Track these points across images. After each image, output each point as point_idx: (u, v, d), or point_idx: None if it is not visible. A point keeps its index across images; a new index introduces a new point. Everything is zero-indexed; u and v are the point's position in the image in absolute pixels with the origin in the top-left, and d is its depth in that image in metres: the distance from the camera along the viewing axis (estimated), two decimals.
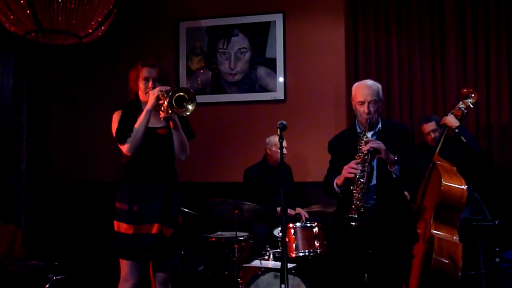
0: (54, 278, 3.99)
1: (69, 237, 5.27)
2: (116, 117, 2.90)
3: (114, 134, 2.85)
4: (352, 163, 2.90)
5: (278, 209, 4.36)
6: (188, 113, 2.76)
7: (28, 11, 3.70)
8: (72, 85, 5.73)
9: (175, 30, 5.43)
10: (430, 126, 4.20)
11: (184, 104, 2.75)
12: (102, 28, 4.12)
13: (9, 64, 5.31)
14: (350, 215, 2.83)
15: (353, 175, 2.87)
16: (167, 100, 2.72)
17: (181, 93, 2.75)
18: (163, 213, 2.84)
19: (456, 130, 3.85)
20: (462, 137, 3.89)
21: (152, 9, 5.55)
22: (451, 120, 3.77)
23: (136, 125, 2.81)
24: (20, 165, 5.45)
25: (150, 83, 2.90)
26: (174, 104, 2.72)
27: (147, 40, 5.49)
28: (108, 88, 5.31)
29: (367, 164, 2.90)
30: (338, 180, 3.01)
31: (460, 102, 3.72)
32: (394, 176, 2.96)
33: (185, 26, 5.40)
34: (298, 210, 4.58)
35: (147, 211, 2.82)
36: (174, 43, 5.42)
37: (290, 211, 4.48)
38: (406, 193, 3.83)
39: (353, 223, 2.83)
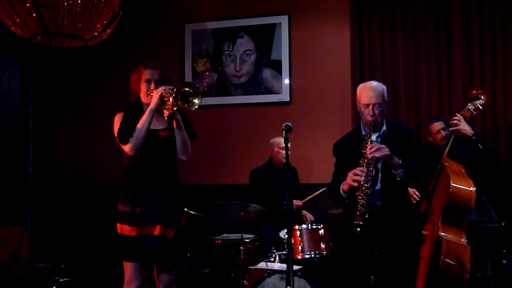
0: (61, 280, 4.01)
1: (75, 240, 5.28)
2: (117, 119, 2.91)
3: (116, 135, 2.86)
4: (357, 170, 2.89)
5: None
6: (195, 107, 2.77)
7: (34, 14, 3.72)
8: (78, 88, 5.76)
9: (181, 33, 5.44)
10: (439, 124, 4.18)
11: (190, 99, 2.76)
12: (108, 30, 4.13)
13: (16, 67, 5.34)
14: (355, 222, 2.83)
15: (357, 184, 2.87)
16: (172, 96, 2.72)
17: (187, 89, 2.76)
18: (165, 215, 2.85)
19: (474, 138, 3.83)
20: (479, 145, 3.87)
21: (157, 11, 5.57)
22: (467, 128, 3.75)
23: (139, 125, 2.81)
24: (27, 167, 5.48)
25: (152, 85, 2.91)
26: (180, 100, 2.72)
27: (152, 42, 5.51)
28: (114, 90, 5.31)
29: (371, 168, 2.89)
30: (344, 186, 3.01)
31: (469, 104, 3.68)
32: (398, 179, 2.95)
33: (191, 28, 5.41)
34: (304, 212, 4.57)
35: (149, 213, 2.83)
36: (180, 46, 5.44)
37: (296, 202, 4.44)
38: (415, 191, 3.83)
39: (358, 229, 2.83)
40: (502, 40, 4.57)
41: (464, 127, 3.70)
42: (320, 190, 4.44)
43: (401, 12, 4.82)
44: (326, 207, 4.43)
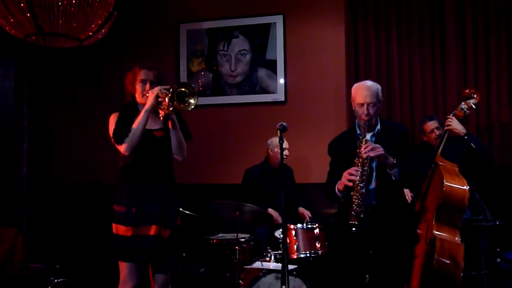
0: (56, 281, 4.01)
1: (70, 240, 5.26)
2: (113, 119, 2.91)
3: (111, 135, 2.86)
4: (352, 170, 2.90)
5: (269, 210, 4.30)
6: (191, 108, 2.77)
7: (28, 14, 3.71)
8: (73, 87, 5.74)
9: (176, 32, 5.44)
10: (433, 124, 4.20)
11: (186, 99, 2.76)
12: (103, 30, 4.12)
13: (10, 67, 5.32)
14: (350, 222, 2.84)
15: (352, 184, 2.87)
16: (168, 97, 2.72)
17: (182, 89, 2.76)
18: (160, 214, 2.85)
19: (466, 137, 3.85)
20: (472, 144, 3.89)
21: (153, 11, 5.56)
22: (459, 128, 3.76)
23: (135, 125, 2.81)
24: (21, 168, 5.45)
25: (148, 86, 2.91)
26: (176, 100, 2.72)
27: (148, 42, 5.50)
28: (109, 90, 5.32)
29: (366, 168, 2.90)
30: (339, 186, 3.02)
31: (462, 103, 3.70)
32: (394, 178, 2.96)
33: (186, 28, 5.41)
34: (301, 210, 4.57)
35: (145, 213, 2.83)
36: (175, 45, 5.43)
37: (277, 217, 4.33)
38: (409, 191, 3.84)
39: (354, 229, 2.83)
40: (496, 39, 4.59)
41: (457, 126, 3.71)
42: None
43: (396, 12, 4.84)
44: (322, 206, 4.44)
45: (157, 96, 2.79)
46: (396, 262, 3.06)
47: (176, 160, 2.99)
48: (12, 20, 3.80)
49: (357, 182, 2.87)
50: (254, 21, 5.25)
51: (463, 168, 3.38)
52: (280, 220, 4.21)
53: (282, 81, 5.17)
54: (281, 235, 3.60)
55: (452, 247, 3.05)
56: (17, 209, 5.33)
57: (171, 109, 2.75)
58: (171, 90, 2.73)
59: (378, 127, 3.12)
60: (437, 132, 4.15)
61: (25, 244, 4.56)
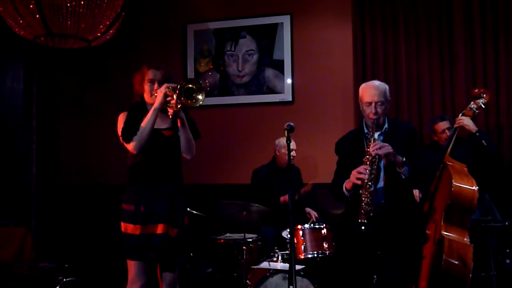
0: (64, 280, 4.03)
1: (78, 239, 5.30)
2: (122, 118, 2.93)
3: (120, 134, 2.87)
4: (360, 168, 2.89)
5: (281, 197, 4.35)
6: (199, 104, 2.77)
7: (37, 16, 3.75)
8: (82, 88, 5.78)
9: (183, 33, 5.45)
10: (445, 124, 4.18)
11: (194, 95, 2.77)
12: (111, 31, 4.15)
13: (19, 68, 5.37)
14: (360, 220, 2.82)
15: (360, 182, 2.87)
16: (176, 94, 2.73)
17: (190, 85, 2.76)
18: (168, 213, 2.86)
19: (477, 134, 3.83)
20: (483, 141, 3.86)
21: (160, 12, 5.58)
22: (470, 124, 3.74)
23: (143, 124, 2.83)
24: (31, 168, 5.50)
25: (156, 85, 2.92)
26: (184, 97, 2.72)
27: (155, 43, 5.52)
28: (117, 91, 5.34)
29: (375, 166, 2.89)
30: (347, 185, 3.00)
31: (472, 103, 3.67)
32: (404, 177, 2.95)
33: (193, 28, 5.42)
34: (308, 210, 4.56)
35: (153, 211, 2.84)
36: (182, 46, 5.45)
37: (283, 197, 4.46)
38: (417, 192, 3.82)
39: (363, 228, 2.82)
40: (504, 37, 4.56)
41: (468, 122, 3.69)
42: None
43: (404, 11, 4.82)
44: (329, 206, 4.43)
45: (165, 95, 2.80)
46: (404, 262, 3.05)
47: (185, 158, 3.00)
48: (21, 21, 3.84)
49: (366, 181, 2.86)
50: (261, 21, 5.25)
51: (472, 168, 3.36)
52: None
53: (289, 81, 5.17)
54: (288, 235, 3.61)
55: (461, 247, 3.02)
56: (26, 209, 5.38)
57: (179, 106, 2.76)
58: (178, 87, 2.73)
59: (386, 126, 3.11)
60: (448, 133, 4.12)
61: (34, 243, 4.59)
